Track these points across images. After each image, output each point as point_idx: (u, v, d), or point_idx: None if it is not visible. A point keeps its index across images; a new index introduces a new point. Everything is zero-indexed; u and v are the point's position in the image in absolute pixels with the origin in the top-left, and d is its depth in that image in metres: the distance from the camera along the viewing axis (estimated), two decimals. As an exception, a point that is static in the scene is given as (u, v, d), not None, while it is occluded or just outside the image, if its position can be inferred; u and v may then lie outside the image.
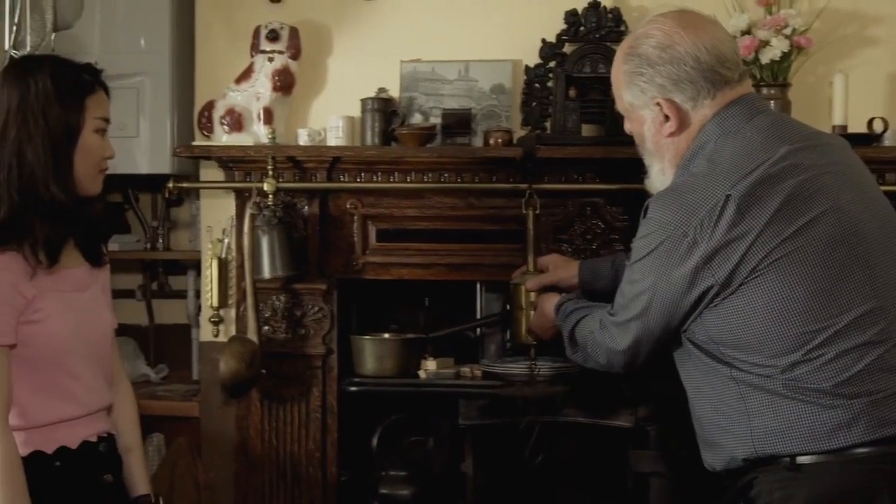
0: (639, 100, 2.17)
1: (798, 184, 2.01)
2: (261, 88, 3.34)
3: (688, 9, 2.21)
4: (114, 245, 4.05)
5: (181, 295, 4.17)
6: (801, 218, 1.99)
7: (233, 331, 3.41)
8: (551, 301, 2.67)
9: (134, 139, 3.71)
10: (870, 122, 3.15)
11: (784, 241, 1.98)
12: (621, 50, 2.22)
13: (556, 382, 3.16)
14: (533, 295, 2.89)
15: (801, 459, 1.98)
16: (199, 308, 3.75)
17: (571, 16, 3.33)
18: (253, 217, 3.23)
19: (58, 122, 2.15)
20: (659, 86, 2.13)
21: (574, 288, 2.78)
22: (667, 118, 2.14)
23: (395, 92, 3.40)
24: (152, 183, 4.02)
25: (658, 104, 2.14)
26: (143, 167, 3.74)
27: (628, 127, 2.27)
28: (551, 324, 2.65)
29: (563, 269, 2.88)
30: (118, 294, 4.21)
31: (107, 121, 2.27)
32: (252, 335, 3.26)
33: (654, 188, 2.24)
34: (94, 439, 2.22)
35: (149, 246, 4.16)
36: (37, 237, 2.11)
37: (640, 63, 2.14)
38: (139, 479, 2.37)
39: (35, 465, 2.11)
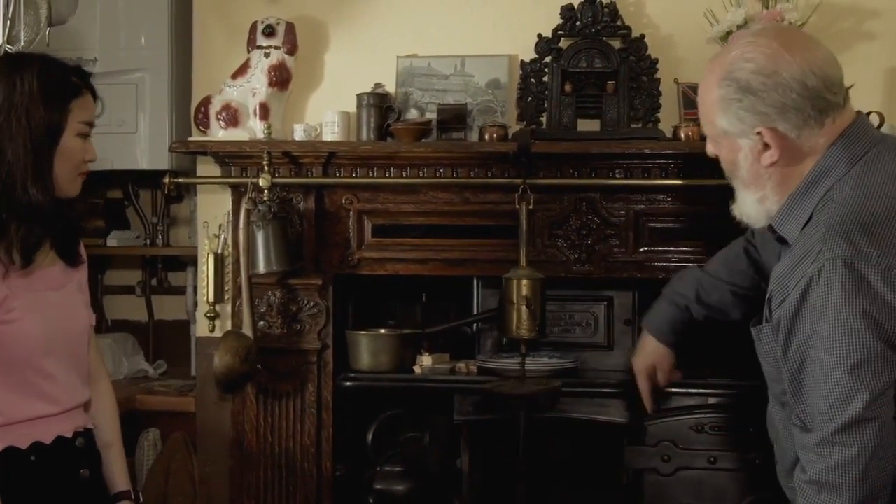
0: (736, 128, 2.00)
1: None
2: (257, 84, 3.34)
3: (783, 25, 2.08)
4: (113, 241, 4.09)
5: (180, 291, 4.20)
6: None
7: (229, 326, 3.41)
8: None
9: (133, 135, 3.76)
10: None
11: None
12: (713, 72, 2.02)
13: (550, 378, 3.16)
14: (525, 288, 2.90)
15: None
16: (197, 304, 3.76)
17: (567, 10, 3.32)
18: (248, 212, 3.22)
19: (40, 123, 2.12)
20: (762, 114, 1.96)
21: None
22: (766, 146, 1.98)
23: (391, 87, 3.39)
24: (152, 179, 4.05)
25: (759, 133, 1.97)
26: (143, 163, 3.78)
27: (713, 151, 2.10)
28: None
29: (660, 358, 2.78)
30: (118, 290, 4.27)
31: (90, 125, 2.23)
32: (247, 330, 3.25)
33: (747, 216, 2.10)
34: (69, 435, 2.20)
35: (148, 242, 4.18)
36: (11, 238, 2.09)
37: (737, 89, 1.97)
38: (119, 475, 2.36)
39: (9, 459, 2.10)
